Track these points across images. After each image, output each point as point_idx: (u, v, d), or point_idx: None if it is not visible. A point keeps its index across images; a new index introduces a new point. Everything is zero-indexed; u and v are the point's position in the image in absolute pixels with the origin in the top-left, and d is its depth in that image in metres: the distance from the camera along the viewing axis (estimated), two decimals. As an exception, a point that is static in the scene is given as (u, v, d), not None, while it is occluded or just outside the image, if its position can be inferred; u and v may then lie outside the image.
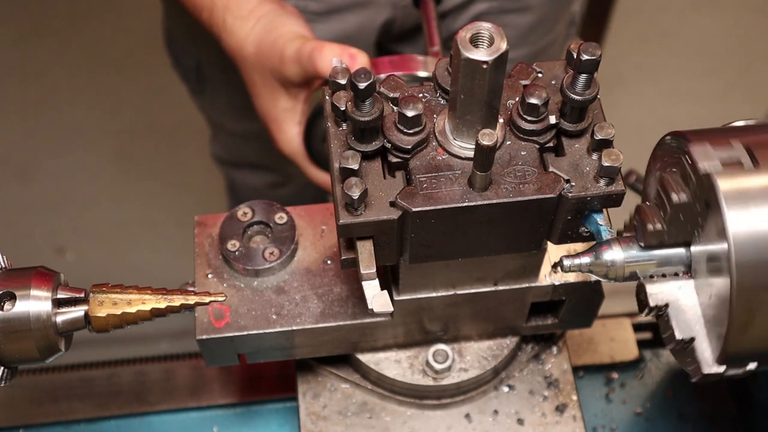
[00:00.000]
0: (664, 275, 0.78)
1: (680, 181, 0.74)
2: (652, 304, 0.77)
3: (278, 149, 1.26)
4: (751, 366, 0.73)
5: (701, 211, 0.71)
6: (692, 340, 0.75)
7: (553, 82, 0.81)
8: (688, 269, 0.77)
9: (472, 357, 1.01)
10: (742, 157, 0.70)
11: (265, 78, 1.19)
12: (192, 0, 1.22)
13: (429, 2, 1.30)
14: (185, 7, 1.25)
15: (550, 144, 0.78)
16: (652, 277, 0.78)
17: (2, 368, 0.78)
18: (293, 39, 1.13)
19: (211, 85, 1.63)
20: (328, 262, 0.98)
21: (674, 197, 0.74)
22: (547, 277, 0.93)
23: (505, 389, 1.05)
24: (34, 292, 0.76)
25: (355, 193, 0.73)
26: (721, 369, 0.72)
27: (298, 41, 1.12)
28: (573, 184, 0.76)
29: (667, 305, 0.77)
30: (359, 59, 1.08)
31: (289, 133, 1.23)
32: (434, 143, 0.78)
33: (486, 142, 0.70)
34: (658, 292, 0.77)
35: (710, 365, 0.73)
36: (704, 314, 0.74)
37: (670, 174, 0.76)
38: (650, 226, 0.76)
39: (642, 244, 0.77)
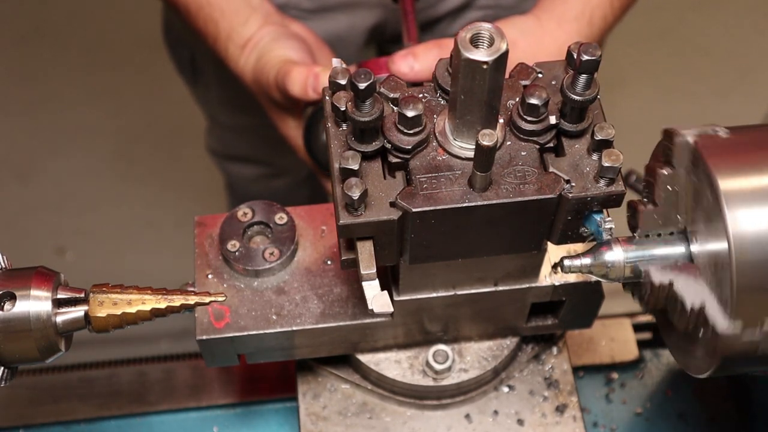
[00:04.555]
0: None
1: (663, 162, 0.77)
2: (656, 283, 0.76)
3: (306, 164, 1.30)
4: None
5: (694, 192, 0.72)
6: (703, 307, 0.73)
7: (553, 83, 0.81)
8: (690, 260, 0.77)
9: (472, 357, 1.01)
10: (719, 130, 0.73)
11: (266, 105, 1.23)
12: (199, 27, 1.25)
13: None
14: (194, 31, 1.27)
15: (550, 144, 0.78)
16: None
17: (2, 368, 0.78)
18: (276, 64, 1.16)
19: (204, 77, 1.64)
20: (328, 262, 0.98)
21: (659, 172, 0.76)
22: (547, 278, 0.93)
23: (505, 389, 1.05)
24: (34, 292, 0.76)
25: (355, 194, 0.73)
26: (738, 327, 0.70)
27: (278, 66, 1.14)
28: (573, 184, 0.76)
29: (671, 283, 0.76)
30: (322, 78, 1.10)
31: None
32: (434, 143, 0.78)
33: (486, 142, 0.70)
34: (661, 273, 0.76)
35: (725, 325, 0.70)
36: (709, 282, 0.73)
37: (655, 162, 0.78)
38: (641, 207, 0.78)
39: (639, 233, 0.78)
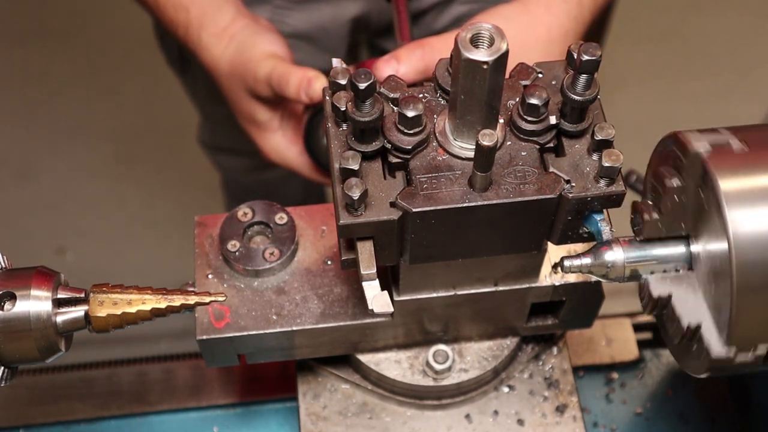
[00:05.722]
0: (664, 271, 0.78)
1: (673, 170, 0.75)
2: (654, 295, 0.76)
3: (267, 159, 1.30)
4: (762, 349, 0.71)
5: (700, 206, 0.72)
6: (699, 327, 0.73)
7: (553, 83, 0.81)
8: (689, 265, 0.77)
9: (473, 357, 1.01)
10: (732, 140, 0.71)
11: (240, 95, 1.23)
12: (168, 17, 1.25)
13: None
14: (162, 23, 1.27)
15: (551, 144, 0.78)
16: (652, 272, 0.78)
17: (2, 368, 0.78)
18: (265, 60, 1.16)
19: (191, 68, 1.64)
20: (329, 262, 0.98)
21: (668, 182, 0.75)
22: (547, 278, 0.93)
23: (506, 390, 1.05)
24: (34, 292, 0.76)
25: (356, 194, 0.73)
26: (731, 352, 0.71)
27: (269, 63, 1.16)
28: (573, 184, 0.76)
29: (670, 296, 0.77)
30: (314, 84, 1.12)
31: (272, 141, 1.27)
32: (434, 143, 0.78)
33: (486, 142, 0.70)
34: (660, 284, 0.77)
35: (719, 349, 0.71)
36: (708, 301, 0.73)
37: (664, 167, 0.77)
38: (647, 216, 0.77)
39: (641, 239, 0.77)
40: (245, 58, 1.18)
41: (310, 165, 1.28)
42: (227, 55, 1.20)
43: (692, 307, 0.75)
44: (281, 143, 1.26)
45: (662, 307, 0.78)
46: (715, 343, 0.71)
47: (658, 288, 0.77)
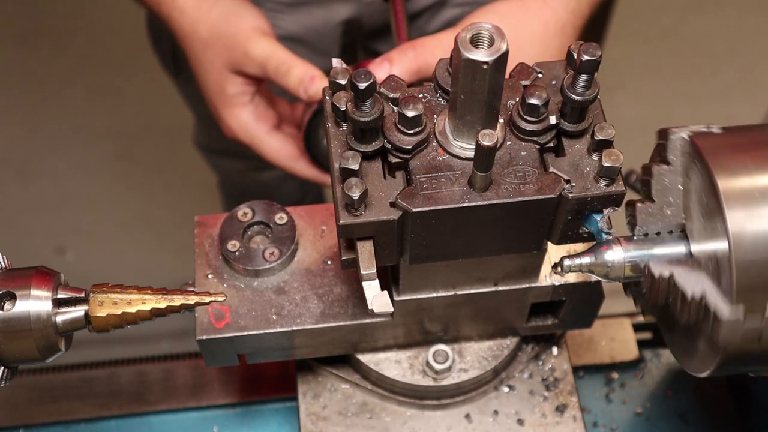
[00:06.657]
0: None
1: (662, 162, 0.78)
2: (656, 275, 0.76)
3: (230, 135, 1.25)
4: None
5: (698, 203, 0.72)
6: (703, 295, 0.73)
7: (553, 83, 0.81)
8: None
9: (473, 357, 1.01)
10: (713, 127, 0.74)
11: (214, 64, 1.18)
12: None
13: None
14: None
15: (551, 144, 0.78)
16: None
17: (2, 368, 0.78)
18: (257, 37, 1.14)
19: (185, 70, 1.63)
20: (329, 262, 0.98)
21: (656, 168, 0.78)
22: (547, 278, 0.93)
23: (506, 389, 1.05)
24: (34, 292, 0.76)
25: (356, 194, 0.73)
26: (740, 312, 0.70)
27: (265, 45, 1.14)
28: (573, 184, 0.76)
29: (671, 275, 0.76)
30: (316, 83, 1.12)
31: (241, 116, 1.22)
32: (434, 143, 0.78)
33: (486, 142, 0.70)
34: (660, 266, 0.77)
35: (727, 312, 0.70)
36: (710, 274, 0.73)
37: (654, 163, 0.79)
38: (638, 204, 0.79)
39: (637, 230, 0.78)
40: (232, 30, 1.15)
41: (278, 144, 1.24)
42: (209, 21, 1.16)
43: (695, 281, 0.74)
44: (249, 119, 1.22)
45: (665, 289, 0.77)
46: (723, 306, 0.71)
47: (659, 268, 0.76)
